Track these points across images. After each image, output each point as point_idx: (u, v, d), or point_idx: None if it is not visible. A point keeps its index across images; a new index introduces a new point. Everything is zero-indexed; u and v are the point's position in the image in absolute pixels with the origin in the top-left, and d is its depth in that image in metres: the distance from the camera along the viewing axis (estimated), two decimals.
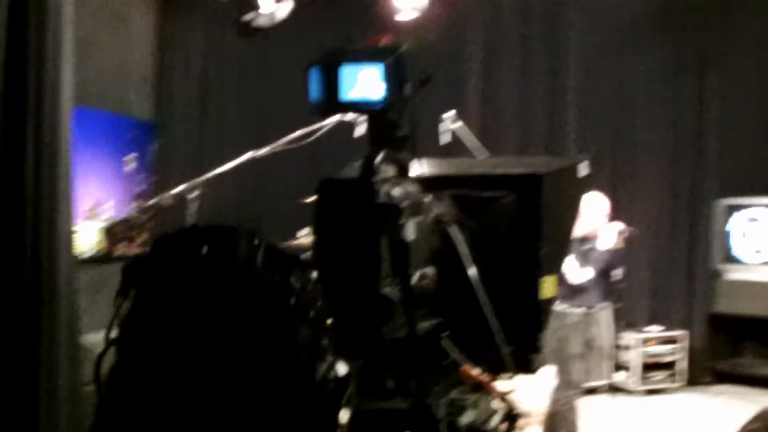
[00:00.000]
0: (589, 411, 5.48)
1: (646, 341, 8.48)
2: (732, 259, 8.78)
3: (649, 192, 9.07)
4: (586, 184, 2.88)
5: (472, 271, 2.17)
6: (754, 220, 8.67)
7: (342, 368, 1.85)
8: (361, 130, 7.28)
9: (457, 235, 2.23)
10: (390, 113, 2.09)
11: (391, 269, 2.01)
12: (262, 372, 1.76)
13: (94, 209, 8.02)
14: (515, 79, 9.20)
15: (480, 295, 2.14)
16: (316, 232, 2.11)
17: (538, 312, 2.51)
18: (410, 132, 2.21)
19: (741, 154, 9.04)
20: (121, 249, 8.30)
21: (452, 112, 6.55)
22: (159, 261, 1.88)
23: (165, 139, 8.75)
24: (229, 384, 1.76)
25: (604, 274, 6.57)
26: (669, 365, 8.52)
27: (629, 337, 8.45)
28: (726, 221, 8.82)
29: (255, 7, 8.48)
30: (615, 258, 6.83)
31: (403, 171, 2.19)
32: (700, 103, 9.07)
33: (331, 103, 2.08)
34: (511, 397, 2.26)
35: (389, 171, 2.16)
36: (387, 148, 2.14)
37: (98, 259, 7.96)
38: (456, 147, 6.65)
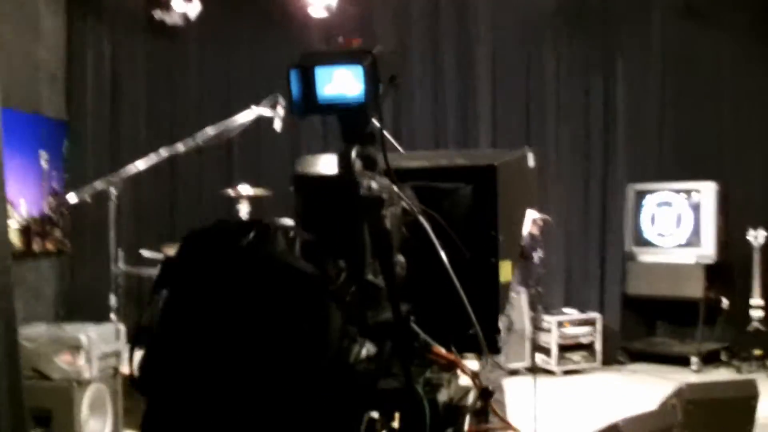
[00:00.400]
0: (511, 392, 5.72)
1: (561, 323, 8.77)
2: (643, 243, 9.13)
3: (562, 181, 9.37)
4: (535, 174, 3.07)
5: (444, 257, 2.32)
6: (663, 204, 9.03)
7: (371, 349, 2.00)
8: (279, 124, 7.44)
9: (426, 224, 2.37)
10: (364, 111, 2.23)
11: (372, 257, 2.15)
12: (300, 355, 1.89)
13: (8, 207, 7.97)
14: (425, 77, 9.39)
15: (453, 279, 2.30)
16: (299, 224, 2.23)
17: (497, 295, 2.68)
18: (378, 128, 2.35)
19: (648, 142, 9.42)
20: (37, 246, 8.28)
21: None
22: (198, 254, 1.98)
23: (77, 137, 8.71)
24: (265, 372, 1.88)
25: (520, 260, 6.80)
26: (586, 346, 8.83)
27: (546, 320, 8.73)
28: (636, 206, 9.16)
29: (166, 5, 8.51)
30: (530, 245, 7.08)
31: (372, 165, 2.33)
32: (607, 96, 9.42)
33: (310, 103, 2.21)
34: (480, 375, 2.43)
35: (360, 165, 2.30)
36: (359, 144, 2.28)
37: (15, 257, 7.92)
38: None
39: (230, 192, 7.83)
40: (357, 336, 1.98)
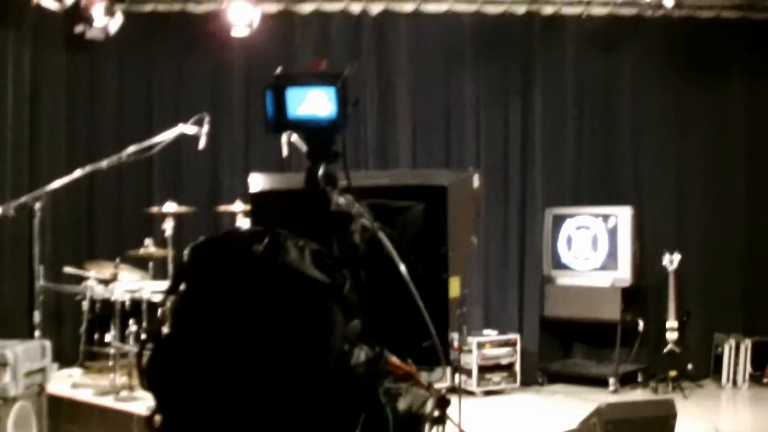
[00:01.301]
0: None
1: (482, 344, 8.96)
2: (561, 266, 9.37)
3: (482, 205, 9.54)
4: (478, 195, 3.24)
5: (403, 270, 2.46)
6: (580, 228, 9.30)
7: (368, 353, 2.14)
8: (203, 142, 7.50)
9: (385, 240, 2.51)
10: (334, 130, 2.37)
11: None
12: (308, 357, 2.02)
13: None
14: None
15: (413, 293, 2.44)
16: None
17: (447, 310, 2.83)
18: (342, 148, 2.49)
19: (565, 167, 9.71)
20: None
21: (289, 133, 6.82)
22: (212, 259, 2.09)
23: None
24: (273, 374, 2.00)
25: None
26: (506, 367, 9.03)
27: (467, 341, 8.90)
28: (554, 230, 9.42)
29: (87, 19, 8.49)
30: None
31: (333, 182, 2.47)
32: (525, 121, 9.65)
33: (282, 121, 2.34)
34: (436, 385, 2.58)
35: (323, 182, 2.44)
36: (325, 162, 2.42)
37: None
38: (297, 159, 6.92)
39: (154, 210, 7.87)
40: (356, 340, 2.11)
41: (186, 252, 2.19)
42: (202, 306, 2.10)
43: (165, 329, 2.16)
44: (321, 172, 2.37)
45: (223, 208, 8.22)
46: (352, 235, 2.31)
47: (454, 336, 7.60)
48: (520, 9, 9.51)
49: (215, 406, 2.02)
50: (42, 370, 5.97)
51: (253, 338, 2.04)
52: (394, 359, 2.53)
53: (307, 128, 2.39)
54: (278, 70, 2.47)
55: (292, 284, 2.07)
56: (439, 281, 2.80)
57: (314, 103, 2.33)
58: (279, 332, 2.04)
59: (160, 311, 6.49)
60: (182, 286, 2.14)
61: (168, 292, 2.14)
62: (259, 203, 2.59)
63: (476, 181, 3.13)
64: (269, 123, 2.36)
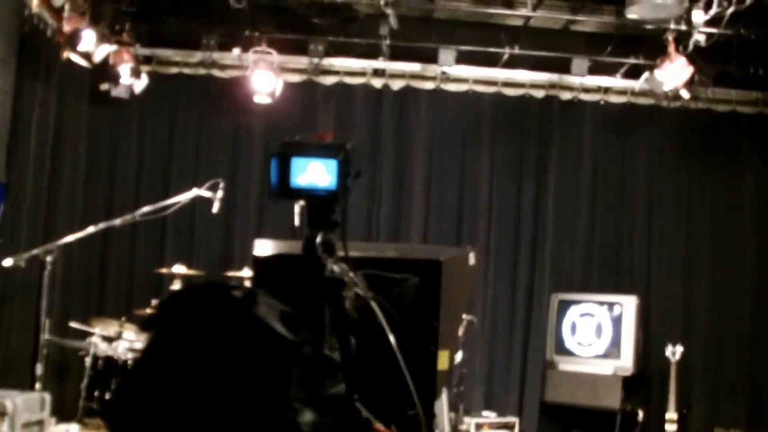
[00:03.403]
0: None
1: (480, 426, 8.97)
2: (563, 351, 9.41)
3: (489, 284, 9.64)
4: (475, 272, 3.36)
5: (393, 340, 2.57)
6: (585, 314, 9.36)
7: (312, 417, 2.23)
8: (216, 207, 7.64)
9: (377, 309, 2.62)
10: (334, 201, 2.50)
11: (330, 333, 2.40)
12: (260, 410, 2.12)
13: None
14: (362, 179, 9.63)
15: (400, 362, 2.54)
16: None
17: (435, 381, 2.93)
18: (341, 217, 2.61)
19: (575, 252, 9.81)
20: None
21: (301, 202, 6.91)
22: (190, 302, 2.21)
23: (14, 201, 8.76)
24: (228, 416, 2.11)
25: None
26: None
27: (466, 422, 8.92)
28: (559, 315, 9.47)
29: (113, 78, 8.72)
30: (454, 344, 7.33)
31: (331, 250, 2.58)
32: (537, 204, 9.79)
33: (284, 188, 2.48)
34: None
35: (321, 250, 2.55)
36: (323, 231, 2.54)
37: None
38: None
39: (164, 270, 7.98)
40: (307, 402, 2.21)
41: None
42: (171, 345, 2.21)
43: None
44: (319, 239, 2.49)
45: (231, 273, 8.31)
46: (344, 301, 2.42)
47: (450, 414, 7.67)
48: (539, 93, 9.73)
49: None
50: (40, 423, 6.04)
51: (213, 380, 2.15)
52: (379, 425, 2.63)
53: (308, 197, 2.51)
54: (285, 138, 2.60)
55: (259, 335, 2.18)
56: (428, 353, 2.90)
57: (315, 173, 2.46)
58: (238, 377, 2.15)
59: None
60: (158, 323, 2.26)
61: (144, 327, 2.27)
62: (261, 267, 2.72)
63: (472, 259, 3.24)
64: (272, 189, 2.49)
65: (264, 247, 3.00)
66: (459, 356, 7.89)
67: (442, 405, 7.77)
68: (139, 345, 7.38)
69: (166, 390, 2.15)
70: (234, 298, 2.21)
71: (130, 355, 7.28)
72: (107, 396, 6.42)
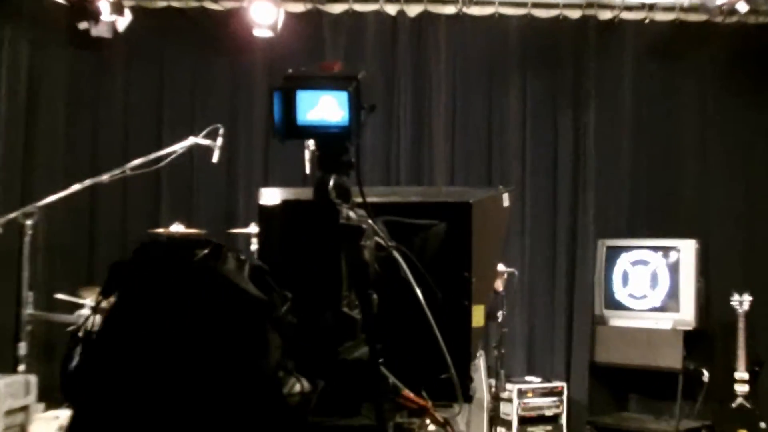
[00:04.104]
0: None
1: (523, 393, 8.97)
2: (614, 305, 9.35)
3: (526, 234, 9.62)
4: (509, 215, 3.33)
5: (420, 295, 2.56)
6: (638, 262, 9.32)
7: (305, 385, 2.22)
8: (216, 156, 7.63)
9: (401, 261, 2.61)
10: (346, 139, 2.48)
11: (348, 289, 2.39)
12: (233, 381, 2.12)
13: None
14: (377, 112, 9.58)
15: (429, 321, 2.54)
16: (276, 250, 2.48)
17: (470, 340, 2.91)
18: (355, 158, 2.59)
19: (621, 193, 9.76)
20: None
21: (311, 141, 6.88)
22: (150, 263, 2.21)
23: None
24: (199, 389, 2.11)
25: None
26: (550, 419, 9.03)
27: (507, 389, 8.91)
28: (608, 264, 9.42)
29: (92, 15, 8.67)
30: (494, 302, 7.32)
31: (346, 196, 2.57)
32: (577, 141, 9.74)
33: (290, 126, 2.46)
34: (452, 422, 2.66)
35: (334, 195, 2.54)
36: (335, 173, 2.52)
37: None
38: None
39: (160, 230, 7.98)
40: (293, 370, 2.20)
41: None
42: (134, 310, 2.21)
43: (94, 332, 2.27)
44: (332, 183, 2.47)
45: (237, 230, 8.31)
46: (363, 252, 2.40)
47: (489, 380, 7.68)
48: (574, 13, 9.63)
49: (135, 418, 2.13)
50: (25, 409, 6.00)
51: (182, 350, 2.15)
52: (408, 392, 2.62)
53: (318, 135, 2.50)
54: (289, 70, 2.58)
55: (225, 296, 2.18)
56: (460, 308, 2.88)
57: (324, 108, 2.44)
58: (207, 345, 2.15)
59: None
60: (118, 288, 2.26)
61: (102, 293, 2.26)
62: (268, 217, 2.71)
63: (506, 200, 3.22)
64: (276, 129, 2.48)
65: (271, 196, 2.99)
66: (500, 314, 7.91)
67: (479, 368, 7.80)
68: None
69: (127, 363, 2.16)
70: (197, 256, 2.20)
71: None
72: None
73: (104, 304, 2.28)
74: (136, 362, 2.16)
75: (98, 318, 2.26)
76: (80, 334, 2.24)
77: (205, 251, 2.22)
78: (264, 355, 2.15)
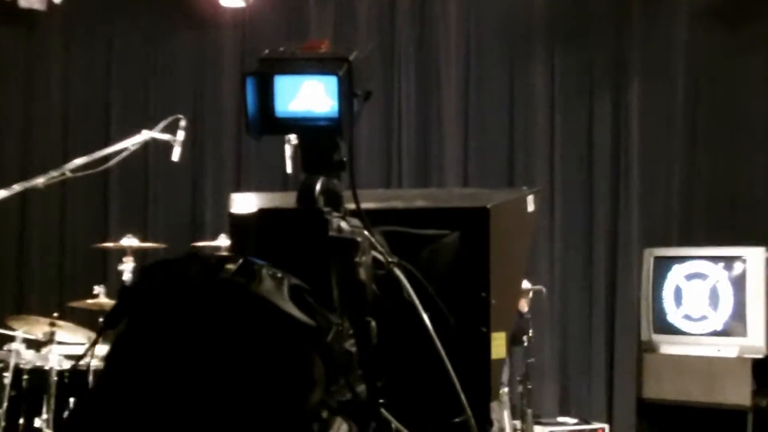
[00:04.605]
0: None
1: None
2: (666, 329, 9.34)
3: (557, 243, 9.63)
4: (535, 222, 3.35)
5: (427, 321, 2.57)
6: (694, 276, 9.31)
7: (354, 429, 2.25)
8: (177, 153, 7.64)
9: (404, 280, 2.62)
10: (336, 133, 2.49)
11: (342, 315, 2.40)
12: (269, 420, 2.14)
13: None
14: (373, 98, 9.58)
15: (439, 352, 2.54)
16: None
17: (489, 375, 2.93)
18: (348, 156, 2.60)
19: (672, 193, 9.79)
20: None
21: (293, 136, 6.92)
22: (167, 283, 2.23)
23: None
24: (234, 423, 2.13)
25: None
26: None
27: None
28: (657, 279, 9.41)
29: None
30: (519, 325, 7.33)
31: (336, 202, 2.58)
32: (617, 129, 9.77)
33: (267, 119, 2.47)
34: None
35: (322, 201, 2.55)
36: (323, 175, 2.53)
37: None
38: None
39: (108, 245, 7.98)
40: (339, 409, 2.22)
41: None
42: (149, 338, 2.23)
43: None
44: (318, 187, 2.48)
45: (203, 243, 8.31)
46: (358, 270, 2.42)
47: (513, 422, 7.70)
48: None
49: None
50: None
51: (205, 385, 2.17)
52: None
53: (302, 130, 2.51)
54: (265, 51, 2.59)
55: (264, 321, 2.19)
56: (477, 336, 2.89)
57: (309, 96, 2.45)
58: (239, 381, 2.17)
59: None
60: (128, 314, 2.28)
61: (106, 324, 2.28)
62: (241, 229, 2.71)
63: (531, 203, 3.22)
64: (250, 122, 2.49)
65: (245, 203, 3.00)
66: (524, 340, 7.91)
67: (501, 408, 7.80)
68: (80, 350, 7.38)
69: (145, 406, 2.18)
70: (227, 274, 2.22)
71: (67, 365, 7.28)
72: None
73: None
74: (150, 402, 2.18)
75: (99, 351, 2.29)
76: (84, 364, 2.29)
77: (233, 267, 2.23)
78: (307, 390, 2.17)
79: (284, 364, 2.19)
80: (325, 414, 2.21)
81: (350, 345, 2.38)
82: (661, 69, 9.80)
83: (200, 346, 2.21)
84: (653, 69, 9.79)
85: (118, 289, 2.34)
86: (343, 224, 2.47)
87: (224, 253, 2.31)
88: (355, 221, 2.55)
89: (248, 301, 2.20)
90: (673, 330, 9.37)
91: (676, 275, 9.38)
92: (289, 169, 6.89)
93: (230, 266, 2.24)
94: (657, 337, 9.42)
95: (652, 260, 9.50)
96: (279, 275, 2.24)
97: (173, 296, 2.26)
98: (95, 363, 7.11)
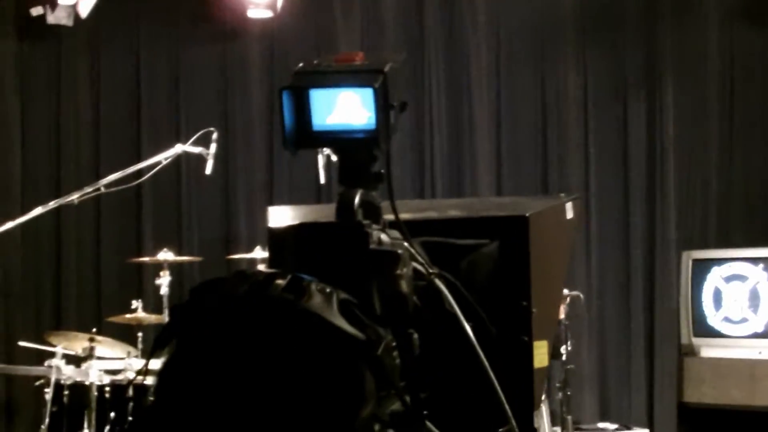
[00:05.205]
0: None
1: None
2: (706, 332, 9.29)
3: (594, 246, 9.61)
4: (574, 229, 3.35)
5: (469, 331, 2.58)
6: (734, 278, 9.26)
7: None
8: (210, 166, 7.67)
9: (445, 290, 2.64)
10: (374, 145, 2.51)
11: (384, 328, 2.41)
12: (319, 426, 2.16)
13: None
14: (407, 113, 9.55)
15: (483, 363, 2.55)
16: None
17: (532, 385, 2.94)
18: (385, 168, 2.62)
19: (709, 192, 9.73)
20: None
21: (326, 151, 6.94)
22: (216, 302, 2.25)
23: None
24: None
25: None
26: None
27: None
28: (696, 281, 9.36)
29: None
30: (556, 332, 7.32)
31: (375, 215, 2.59)
32: (652, 129, 9.72)
33: (304, 133, 2.49)
34: None
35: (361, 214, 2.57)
36: (362, 188, 2.55)
37: None
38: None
39: (144, 260, 8.01)
40: (391, 422, 2.24)
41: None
42: (200, 360, 2.25)
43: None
44: (357, 199, 2.50)
45: (238, 256, 8.33)
46: (399, 282, 2.43)
47: (554, 429, 7.70)
48: None
49: None
50: None
51: (257, 402, 2.19)
52: None
53: (339, 143, 2.53)
54: (300, 65, 2.61)
55: (315, 336, 2.21)
56: (519, 346, 2.90)
57: (346, 109, 2.47)
58: (292, 397, 2.19)
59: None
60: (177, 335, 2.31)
61: (157, 344, 2.31)
62: (279, 243, 2.71)
63: (570, 211, 3.23)
64: (287, 137, 2.50)
65: (282, 216, 3.03)
66: (563, 348, 7.90)
67: (542, 415, 7.80)
68: (119, 365, 7.42)
69: (199, 428, 2.20)
70: (276, 291, 2.24)
71: (107, 380, 7.32)
72: None
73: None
74: (204, 424, 2.21)
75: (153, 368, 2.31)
76: (129, 392, 2.33)
77: (282, 283, 2.25)
78: (359, 404, 2.19)
79: (336, 378, 2.21)
80: (377, 428, 2.22)
81: (395, 357, 2.39)
82: (697, 68, 9.76)
83: (252, 364, 2.24)
84: (688, 67, 9.76)
85: (168, 309, 2.37)
86: (383, 236, 2.48)
87: (271, 270, 2.29)
88: (395, 233, 2.57)
89: (299, 317, 2.23)
90: (713, 333, 9.31)
91: (715, 277, 9.32)
92: (322, 180, 6.92)
93: (279, 282, 2.25)
94: (697, 341, 9.37)
95: (690, 263, 9.44)
96: (328, 290, 2.26)
97: (223, 316, 2.29)
98: (137, 378, 7.22)
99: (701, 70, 9.77)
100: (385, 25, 9.58)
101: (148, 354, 2.35)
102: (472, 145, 9.62)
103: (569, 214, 3.23)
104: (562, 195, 3.26)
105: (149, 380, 2.35)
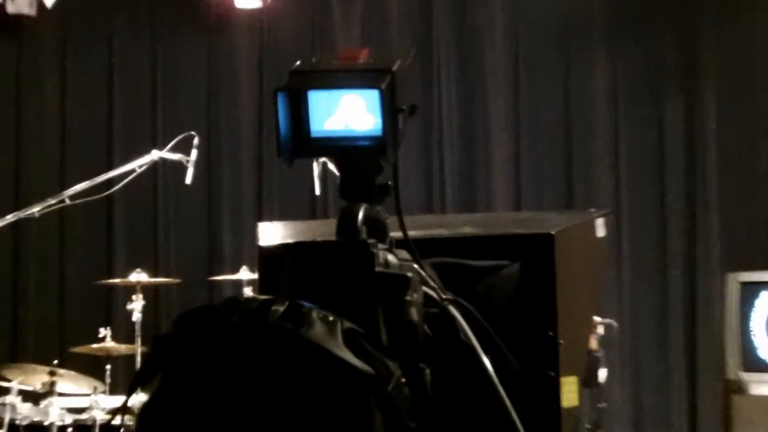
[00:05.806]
0: None
1: None
2: (757, 365, 9.24)
3: (626, 268, 9.61)
4: (605, 249, 3.34)
5: (488, 365, 2.58)
6: None
7: None
8: (191, 175, 7.69)
9: (460, 318, 2.63)
10: (380, 154, 2.51)
11: (391, 360, 2.41)
12: None
13: None
14: (414, 116, 9.56)
15: (504, 401, 2.55)
16: None
17: (559, 426, 2.93)
18: (393, 179, 2.62)
19: (755, 208, 9.76)
20: None
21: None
22: (207, 330, 2.26)
23: None
24: None
25: None
26: None
27: None
28: (744, 307, 9.36)
29: None
30: (587, 365, 7.32)
31: (381, 233, 2.59)
32: (691, 134, 9.76)
33: (302, 141, 2.49)
34: None
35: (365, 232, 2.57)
36: (366, 202, 2.55)
37: None
38: (336, 199, 7.04)
39: (115, 281, 8.01)
40: None
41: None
42: (186, 397, 2.26)
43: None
44: (361, 215, 2.50)
45: (222, 277, 8.33)
46: (408, 309, 2.43)
47: None
48: None
49: None
50: None
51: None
52: None
53: (340, 151, 2.53)
54: (297, 63, 2.60)
55: (318, 370, 2.21)
56: (544, 382, 2.90)
57: (349, 113, 2.46)
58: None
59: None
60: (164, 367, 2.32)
61: (138, 380, 2.31)
62: (272, 263, 2.71)
63: (601, 228, 3.23)
64: (282, 144, 2.49)
65: (274, 233, 3.03)
66: (596, 381, 7.90)
67: None
68: (83, 402, 7.41)
69: None
70: (273, 319, 2.24)
71: (69, 419, 7.30)
72: None
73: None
74: None
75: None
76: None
77: (279, 310, 2.26)
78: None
79: (342, 417, 2.21)
80: None
81: (406, 394, 2.40)
82: (741, 68, 9.76)
83: (248, 401, 2.24)
84: (731, 68, 9.76)
85: (151, 340, 2.36)
86: (390, 257, 2.48)
87: (267, 297, 2.29)
88: (403, 253, 2.56)
89: (299, 348, 2.23)
90: (765, 367, 9.29)
91: (765, 303, 9.31)
92: (317, 191, 6.92)
93: (276, 309, 2.25)
94: (746, 376, 9.35)
95: (737, 286, 9.43)
96: (331, 318, 2.26)
97: (214, 347, 2.29)
98: (101, 416, 7.22)
99: (748, 70, 9.78)
100: (389, 18, 9.60)
101: (127, 391, 2.32)
102: (487, 153, 9.65)
103: (600, 232, 3.22)
104: (592, 210, 3.24)
105: (127, 420, 2.35)
